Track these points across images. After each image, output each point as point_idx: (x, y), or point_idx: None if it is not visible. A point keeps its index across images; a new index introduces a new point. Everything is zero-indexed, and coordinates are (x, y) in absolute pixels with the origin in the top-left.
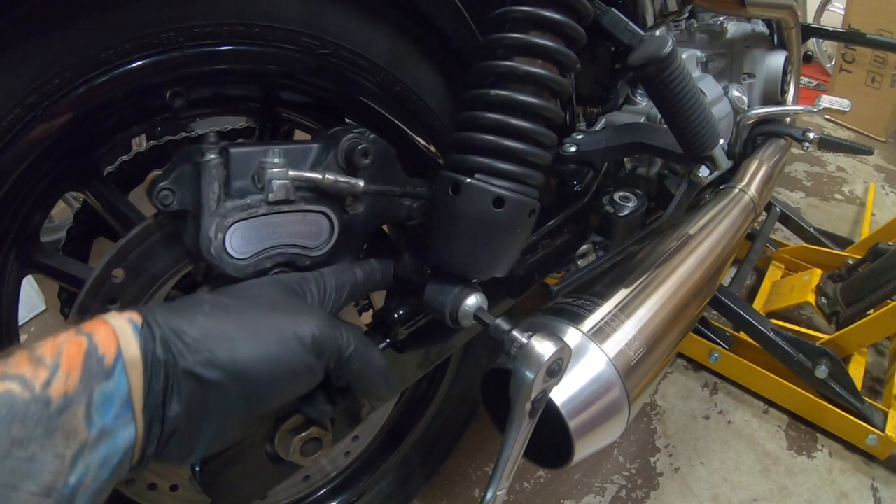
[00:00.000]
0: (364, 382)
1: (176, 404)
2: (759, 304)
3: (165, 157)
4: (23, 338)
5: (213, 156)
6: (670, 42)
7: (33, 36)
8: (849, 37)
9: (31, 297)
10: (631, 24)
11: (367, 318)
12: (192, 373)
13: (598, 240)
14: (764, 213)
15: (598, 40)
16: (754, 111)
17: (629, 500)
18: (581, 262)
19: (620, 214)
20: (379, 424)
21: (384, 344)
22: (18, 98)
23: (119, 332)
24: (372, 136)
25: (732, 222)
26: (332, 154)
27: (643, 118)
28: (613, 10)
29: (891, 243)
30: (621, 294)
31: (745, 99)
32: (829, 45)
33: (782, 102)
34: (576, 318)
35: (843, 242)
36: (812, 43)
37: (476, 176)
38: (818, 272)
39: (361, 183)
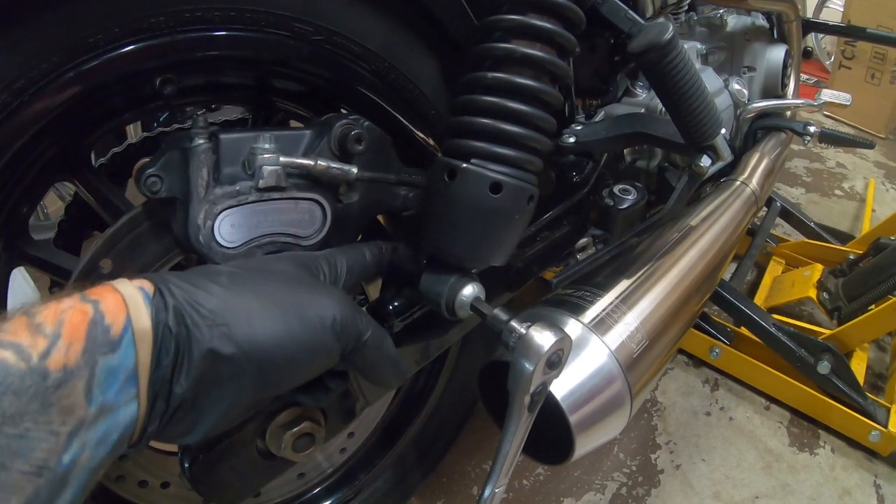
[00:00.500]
0: (375, 370)
1: (184, 380)
2: (759, 300)
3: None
4: None
5: (201, 141)
6: (671, 28)
7: (20, 19)
8: (849, 31)
9: (26, 292)
10: (630, 12)
11: None
12: (206, 347)
13: (598, 233)
14: (764, 208)
15: (598, 30)
16: (754, 105)
17: (630, 498)
18: (580, 256)
19: (620, 207)
20: (375, 421)
21: None
22: (5, 83)
23: (129, 300)
24: (366, 123)
25: (734, 215)
26: (325, 140)
27: (643, 110)
28: None
29: (892, 238)
30: (623, 285)
31: (745, 92)
32: (828, 42)
33: (782, 96)
34: (576, 310)
35: (844, 238)
36: (811, 39)
37: (473, 161)
38: (819, 267)
39: (355, 170)
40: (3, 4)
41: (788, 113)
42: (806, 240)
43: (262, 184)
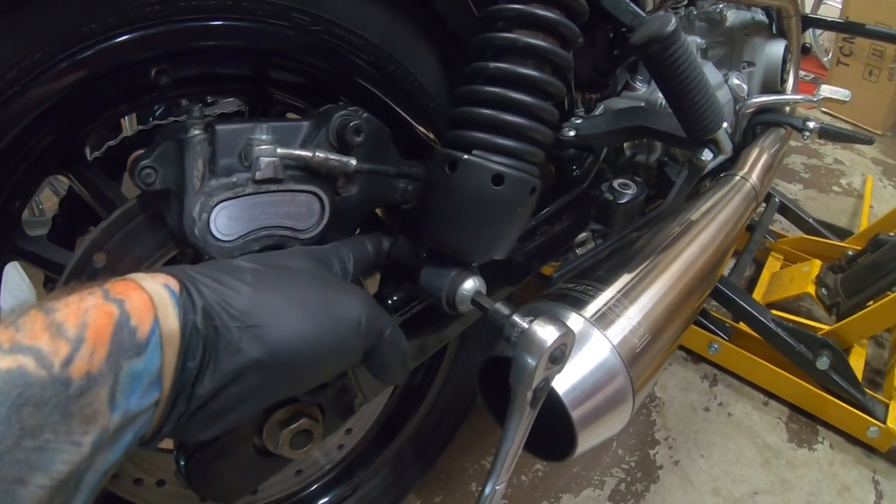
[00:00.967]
0: (387, 366)
1: (209, 381)
2: (758, 295)
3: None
4: None
5: (197, 132)
6: (673, 20)
7: (12, 9)
8: (849, 27)
9: (22, 288)
10: (632, 5)
11: None
12: (235, 350)
13: (597, 227)
14: (763, 204)
15: (598, 23)
16: (754, 100)
17: (629, 494)
18: (580, 251)
19: (620, 202)
20: (373, 417)
21: None
22: None
23: (156, 299)
24: (365, 114)
25: (734, 210)
26: (324, 132)
27: (643, 104)
28: None
29: (891, 234)
30: (624, 279)
31: (744, 87)
32: (826, 39)
33: (782, 91)
34: (578, 304)
35: (843, 233)
36: (809, 36)
37: (474, 152)
38: (818, 263)
39: (353, 161)
40: None
41: (787, 108)
42: (804, 235)
43: (259, 175)
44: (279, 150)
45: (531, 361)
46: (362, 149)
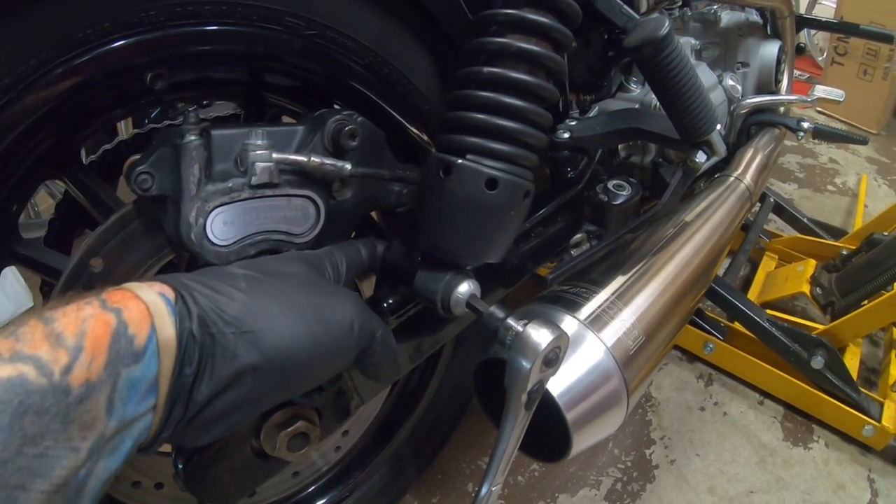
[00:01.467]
0: (378, 367)
1: (205, 387)
2: (753, 295)
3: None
4: None
5: (193, 137)
6: (667, 23)
7: (7, 14)
8: (843, 27)
9: (19, 292)
10: (626, 7)
11: None
12: (231, 355)
13: (592, 229)
14: (758, 204)
15: (592, 25)
16: (748, 100)
17: (625, 493)
18: (575, 252)
19: (614, 203)
20: (370, 419)
21: None
22: None
23: (152, 308)
24: (360, 118)
25: (729, 210)
26: (318, 136)
27: (637, 105)
28: None
29: (886, 233)
30: (618, 281)
31: (739, 88)
32: (820, 38)
33: (776, 92)
34: (572, 306)
35: (837, 233)
36: (804, 35)
37: (468, 157)
38: (812, 262)
39: (348, 166)
40: None
41: (782, 109)
42: (799, 235)
43: (254, 180)
44: (275, 155)
45: (526, 364)
46: (357, 153)
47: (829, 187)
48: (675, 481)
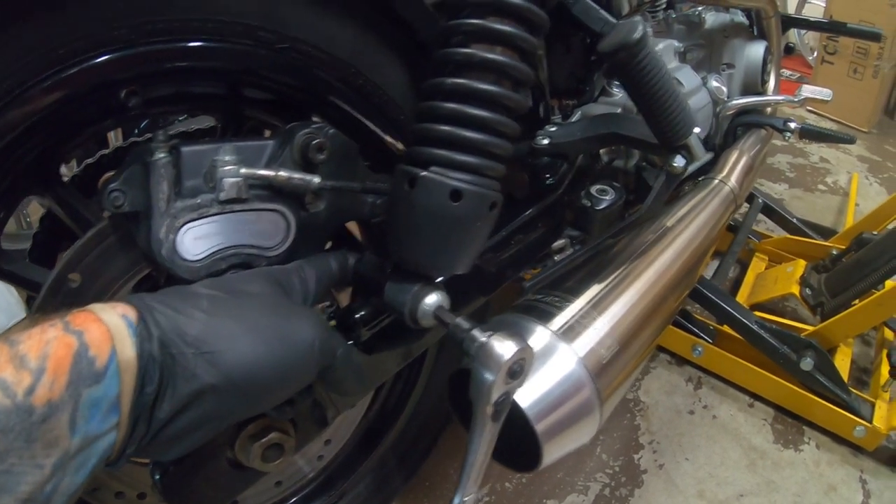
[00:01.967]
0: (342, 384)
1: (167, 406)
2: (742, 297)
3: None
4: None
5: (161, 155)
6: (641, 27)
7: None
8: (830, 27)
9: (11, 304)
10: (602, 11)
11: None
12: (191, 375)
13: (576, 234)
14: (747, 205)
15: (571, 31)
16: (734, 102)
17: (613, 499)
18: (558, 258)
19: (598, 208)
20: (352, 427)
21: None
22: None
23: (114, 330)
24: (331, 131)
25: (712, 213)
26: (288, 150)
27: (619, 109)
28: None
29: (875, 233)
30: (594, 290)
31: (724, 89)
32: (811, 38)
33: (763, 93)
34: (545, 316)
35: (828, 233)
36: (794, 35)
37: (432, 169)
38: (802, 263)
39: (317, 179)
40: None
41: (769, 109)
42: (788, 236)
43: (223, 196)
44: (242, 171)
45: (489, 376)
46: (328, 165)
47: (821, 187)
48: (664, 486)
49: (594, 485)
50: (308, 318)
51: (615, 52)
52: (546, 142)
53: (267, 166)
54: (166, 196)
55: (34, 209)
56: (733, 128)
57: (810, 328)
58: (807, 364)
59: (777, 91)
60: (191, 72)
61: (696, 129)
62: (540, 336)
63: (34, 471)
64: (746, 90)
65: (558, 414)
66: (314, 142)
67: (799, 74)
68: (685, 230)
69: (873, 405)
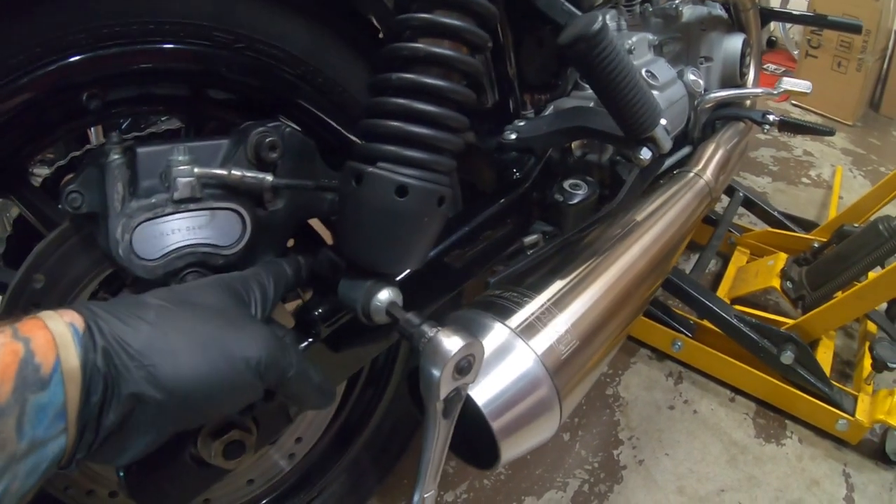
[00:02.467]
0: (301, 399)
1: (112, 414)
2: (723, 291)
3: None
4: None
5: (116, 156)
6: (599, 19)
7: None
8: (810, 19)
9: None
10: (567, 4)
11: None
12: (132, 389)
13: (549, 229)
14: (728, 199)
15: (539, 25)
16: (712, 95)
17: (592, 495)
18: (531, 254)
19: (570, 203)
20: (323, 425)
21: (306, 343)
22: None
23: (59, 339)
24: (288, 130)
25: (685, 206)
26: (242, 149)
27: (591, 103)
28: None
29: (856, 225)
30: (556, 285)
31: (700, 82)
32: (796, 32)
33: (742, 86)
34: (504, 313)
35: (809, 226)
36: (778, 29)
37: (379, 164)
38: (783, 256)
39: (270, 178)
40: None
41: (748, 102)
42: (770, 229)
43: (177, 195)
44: (196, 170)
45: (436, 372)
46: (285, 163)
47: (804, 180)
48: (644, 482)
49: (573, 481)
50: (256, 333)
51: (573, 43)
52: (513, 136)
53: (221, 166)
54: (121, 196)
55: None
56: (712, 121)
57: (791, 321)
58: (787, 357)
59: (757, 84)
60: (151, 73)
61: (663, 122)
62: (498, 333)
63: None
64: (725, 83)
65: (516, 411)
66: (267, 140)
67: (784, 69)
68: (656, 224)
69: (856, 398)
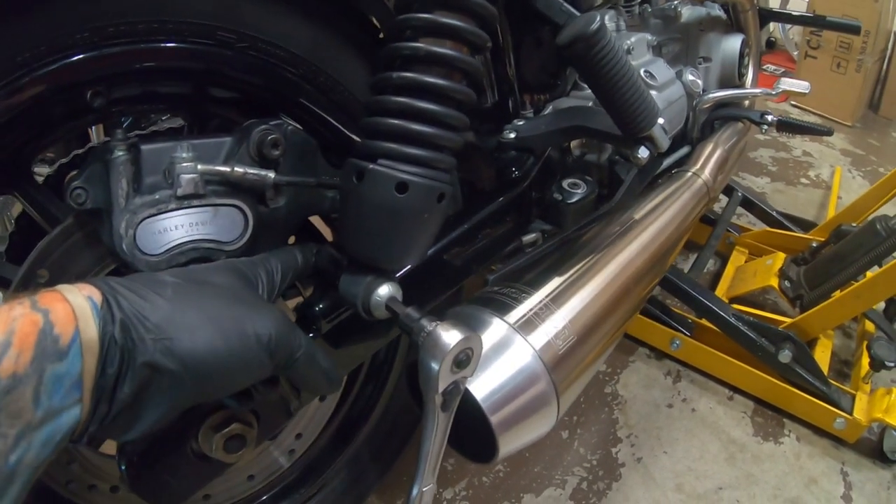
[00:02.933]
0: (307, 381)
1: (127, 387)
2: (721, 290)
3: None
4: None
5: (120, 153)
6: (598, 19)
7: None
8: (808, 20)
9: None
10: (566, 4)
11: None
12: (149, 360)
13: (548, 228)
14: (726, 198)
15: (538, 25)
16: (710, 95)
17: (590, 492)
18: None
19: (569, 202)
20: (323, 421)
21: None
22: None
23: (78, 311)
24: (290, 128)
25: (682, 206)
26: (245, 147)
27: (590, 103)
28: None
29: (854, 224)
30: (554, 282)
31: (699, 83)
32: (795, 33)
33: (740, 86)
34: (502, 308)
35: (808, 226)
36: (778, 30)
37: (379, 161)
38: (781, 256)
39: (272, 175)
40: None
41: (747, 102)
42: (768, 229)
43: (180, 192)
44: (199, 167)
45: (434, 365)
46: (287, 161)
47: (803, 180)
48: (642, 479)
49: (572, 478)
50: (267, 312)
51: (572, 43)
52: (512, 136)
53: (224, 162)
54: (125, 192)
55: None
56: (710, 121)
57: (789, 321)
58: (785, 356)
59: (755, 84)
60: (155, 72)
61: (661, 121)
62: (496, 328)
63: None
64: (723, 84)
65: (514, 406)
66: (269, 138)
67: (784, 69)
68: (654, 222)
69: (854, 397)
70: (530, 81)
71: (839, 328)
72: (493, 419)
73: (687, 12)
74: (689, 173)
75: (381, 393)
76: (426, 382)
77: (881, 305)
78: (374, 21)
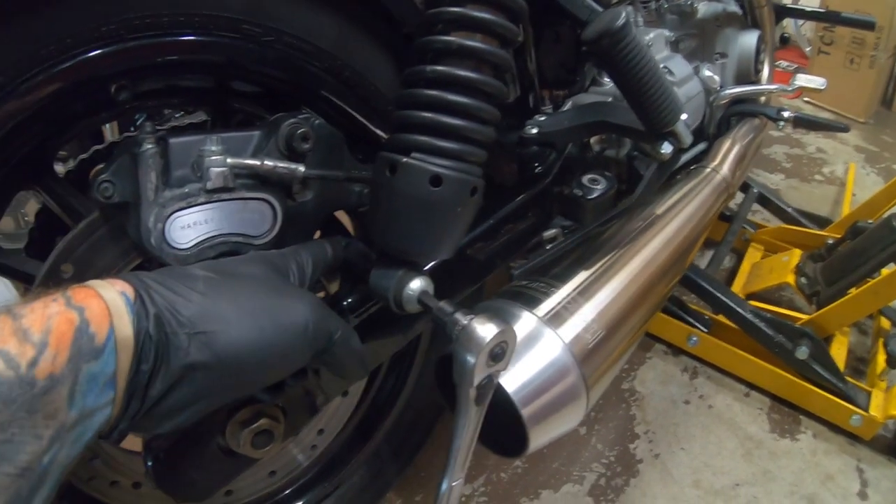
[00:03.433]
0: (342, 366)
1: (160, 383)
2: (738, 287)
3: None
4: None
5: (149, 146)
6: (623, 14)
7: None
8: (824, 16)
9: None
10: (588, 0)
11: None
12: (184, 355)
13: (568, 223)
14: (742, 195)
15: (559, 21)
16: (727, 91)
17: (608, 488)
18: (550, 247)
19: (589, 197)
20: (345, 417)
21: None
22: None
23: (112, 308)
24: (318, 121)
25: (703, 202)
26: (273, 140)
27: (610, 98)
28: None
29: (870, 221)
30: (581, 276)
31: (716, 79)
32: (808, 29)
33: (756, 82)
34: (531, 302)
35: (823, 222)
36: (790, 26)
37: (413, 155)
38: (798, 252)
39: (302, 168)
40: None
41: (763, 98)
42: (784, 225)
43: (209, 185)
44: (229, 160)
45: (470, 359)
46: (314, 155)
47: (817, 177)
48: (660, 475)
49: (590, 474)
50: (302, 300)
51: (598, 39)
52: (534, 131)
53: (253, 156)
54: (154, 186)
55: (32, 208)
56: (727, 117)
57: (805, 317)
58: (802, 353)
59: (771, 80)
60: (179, 66)
61: (683, 116)
62: (526, 322)
63: (34, 441)
64: (740, 79)
65: (544, 399)
66: (299, 131)
67: (797, 66)
68: (675, 218)
69: (870, 394)
70: (549, 77)
71: (855, 325)
72: (525, 412)
73: (703, 8)
74: (708, 169)
75: (402, 387)
76: (461, 376)
77: None
78: (397, 15)
